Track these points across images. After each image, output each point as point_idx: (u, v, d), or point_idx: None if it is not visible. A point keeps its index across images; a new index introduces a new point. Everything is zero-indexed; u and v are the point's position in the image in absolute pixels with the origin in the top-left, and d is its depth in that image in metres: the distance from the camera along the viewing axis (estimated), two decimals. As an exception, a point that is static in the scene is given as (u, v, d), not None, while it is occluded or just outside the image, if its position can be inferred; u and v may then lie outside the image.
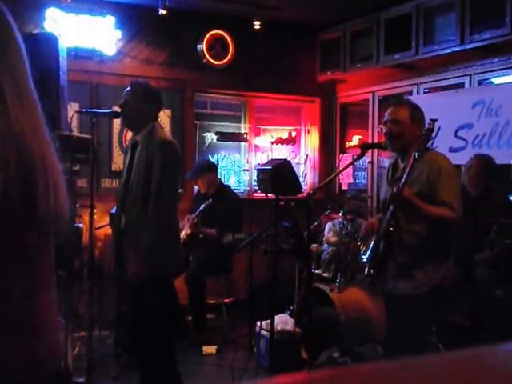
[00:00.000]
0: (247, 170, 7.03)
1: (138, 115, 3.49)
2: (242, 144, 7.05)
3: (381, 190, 3.56)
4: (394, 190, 3.08)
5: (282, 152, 7.13)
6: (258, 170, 4.61)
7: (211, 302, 5.84)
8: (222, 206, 5.49)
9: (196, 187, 5.99)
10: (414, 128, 3.24)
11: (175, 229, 3.60)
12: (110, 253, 3.92)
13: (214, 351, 5.20)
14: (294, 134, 7.30)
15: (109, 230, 5.34)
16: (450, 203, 3.08)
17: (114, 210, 5.05)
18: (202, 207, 5.36)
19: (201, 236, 5.45)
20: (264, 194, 4.25)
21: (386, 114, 3.32)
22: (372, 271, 3.33)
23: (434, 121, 3.16)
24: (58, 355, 1.46)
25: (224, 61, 6.51)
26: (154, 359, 3.45)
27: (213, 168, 5.78)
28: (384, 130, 3.30)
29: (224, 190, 5.79)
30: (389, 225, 3.17)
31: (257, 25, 6.45)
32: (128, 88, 3.59)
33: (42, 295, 1.36)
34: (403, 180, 3.07)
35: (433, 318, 3.37)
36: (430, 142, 5.80)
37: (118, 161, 6.04)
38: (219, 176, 6.17)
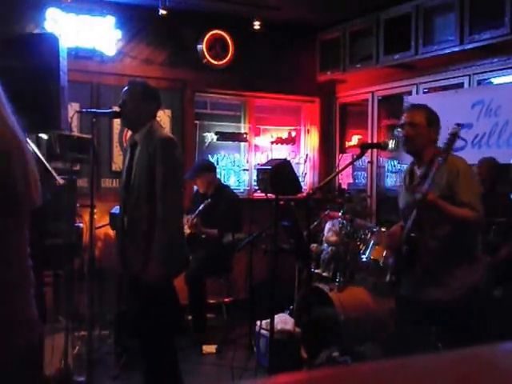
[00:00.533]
0: (247, 170, 7.03)
1: (136, 115, 3.49)
2: (242, 144, 7.06)
3: (399, 197, 3.53)
4: (419, 195, 3.06)
5: (281, 152, 7.13)
6: (257, 169, 4.61)
7: (211, 301, 5.85)
8: (222, 205, 5.50)
9: (195, 187, 6.00)
10: (430, 131, 3.26)
11: (181, 226, 3.62)
12: (115, 254, 3.92)
13: (214, 350, 5.21)
14: (293, 133, 7.31)
15: (109, 230, 5.35)
16: (470, 203, 3.09)
17: (114, 210, 5.07)
18: (201, 207, 5.36)
19: (203, 236, 5.46)
20: (264, 194, 4.26)
21: (403, 117, 3.33)
22: (394, 278, 3.33)
23: (459, 125, 3.13)
24: (31, 325, 1.58)
25: (224, 61, 6.52)
26: (156, 358, 3.46)
27: (211, 168, 5.78)
28: (400, 134, 3.32)
29: (223, 189, 5.79)
30: (411, 230, 3.16)
31: (257, 25, 6.45)
32: (126, 88, 3.59)
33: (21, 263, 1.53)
34: (427, 185, 3.05)
35: (470, 324, 3.23)
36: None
37: (118, 161, 6.05)
38: (218, 176, 6.19)
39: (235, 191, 6.27)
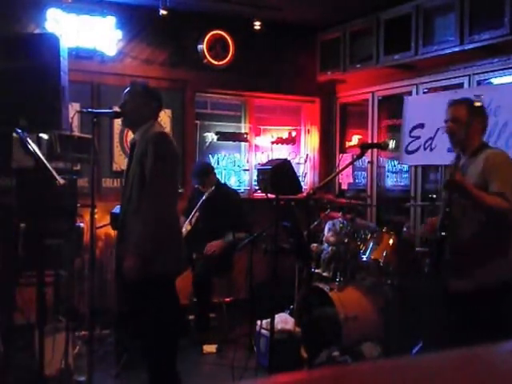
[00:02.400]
0: (247, 170, 7.04)
1: (137, 115, 3.49)
2: (242, 144, 7.06)
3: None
4: (447, 177, 3.12)
5: (282, 152, 7.14)
6: (258, 169, 4.62)
7: (212, 301, 5.85)
8: (222, 204, 5.50)
9: (196, 186, 5.99)
10: (473, 124, 3.32)
11: (174, 223, 3.52)
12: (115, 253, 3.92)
13: (215, 350, 5.22)
14: (294, 133, 7.31)
15: (110, 230, 5.35)
16: (503, 193, 3.09)
17: (114, 210, 5.07)
18: (201, 201, 5.39)
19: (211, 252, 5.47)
20: (264, 194, 4.26)
21: (446, 113, 3.41)
22: (430, 267, 3.36)
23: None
24: None
25: (224, 61, 6.52)
26: (154, 358, 3.45)
27: (213, 169, 5.82)
28: (445, 129, 3.40)
29: (222, 188, 5.79)
30: (444, 216, 3.20)
31: (257, 25, 6.45)
32: (127, 89, 3.60)
33: None
34: (454, 167, 3.12)
35: (497, 318, 3.20)
36: (429, 142, 5.81)
37: (119, 160, 6.06)
38: (218, 176, 6.20)
39: (235, 189, 6.28)
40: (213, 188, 5.55)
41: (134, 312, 3.67)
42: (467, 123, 3.30)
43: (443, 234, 3.21)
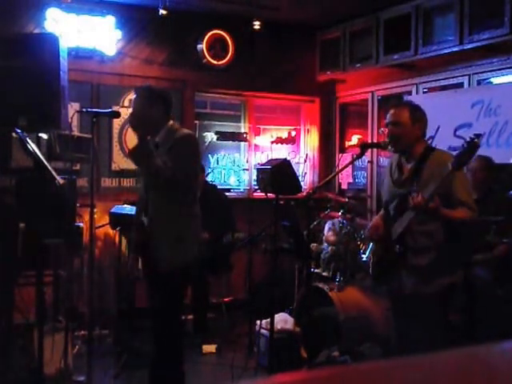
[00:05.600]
0: (247, 170, 7.04)
1: (148, 120, 3.38)
2: (242, 143, 7.06)
3: (382, 189, 3.57)
4: (416, 199, 3.00)
5: (281, 151, 7.14)
6: (257, 169, 4.63)
7: (211, 301, 5.85)
8: (212, 206, 5.50)
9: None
10: (415, 129, 3.26)
11: (196, 217, 3.54)
12: (132, 257, 3.89)
13: (214, 350, 5.22)
14: (293, 133, 7.31)
15: (109, 230, 5.36)
16: (468, 202, 3.13)
17: (114, 210, 5.08)
18: None
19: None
20: (264, 194, 4.26)
21: (387, 116, 3.35)
22: (375, 273, 3.38)
23: (478, 136, 2.91)
24: None
25: (224, 61, 6.52)
26: (165, 355, 3.45)
27: (203, 169, 5.82)
28: (386, 132, 3.35)
29: (212, 190, 5.77)
30: (405, 229, 3.18)
31: (257, 25, 6.45)
32: (134, 96, 3.56)
33: None
34: (429, 193, 3.00)
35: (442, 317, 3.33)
36: (430, 142, 5.82)
37: (118, 160, 6.06)
38: (217, 176, 6.20)
39: (221, 188, 6.27)
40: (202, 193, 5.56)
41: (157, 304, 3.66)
42: (409, 128, 3.25)
43: (400, 244, 3.25)
